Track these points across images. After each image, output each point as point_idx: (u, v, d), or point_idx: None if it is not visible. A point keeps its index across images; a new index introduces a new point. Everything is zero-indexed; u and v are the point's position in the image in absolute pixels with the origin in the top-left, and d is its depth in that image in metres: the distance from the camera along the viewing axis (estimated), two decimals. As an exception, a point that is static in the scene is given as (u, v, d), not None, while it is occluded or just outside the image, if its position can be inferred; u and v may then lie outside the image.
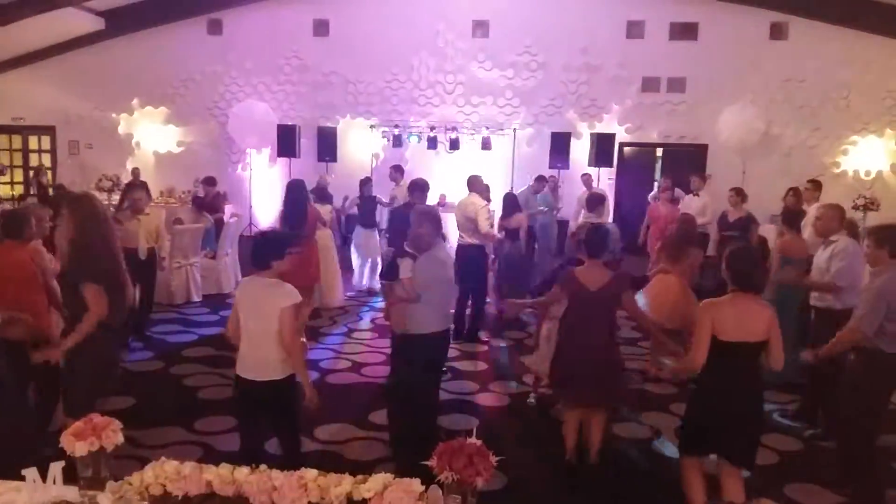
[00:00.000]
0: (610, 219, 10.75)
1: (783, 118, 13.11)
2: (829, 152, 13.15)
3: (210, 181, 10.68)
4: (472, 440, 2.42)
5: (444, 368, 6.76)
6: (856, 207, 11.30)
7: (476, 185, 8.07)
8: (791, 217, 6.67)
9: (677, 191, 10.74)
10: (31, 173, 12.31)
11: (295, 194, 7.88)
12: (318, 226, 8.27)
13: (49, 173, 12.39)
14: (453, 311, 8.15)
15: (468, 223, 7.72)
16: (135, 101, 14.39)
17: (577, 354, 4.60)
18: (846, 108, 13.02)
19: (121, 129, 14.50)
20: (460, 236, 7.91)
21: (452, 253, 6.27)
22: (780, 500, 4.52)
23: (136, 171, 12.94)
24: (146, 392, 6.05)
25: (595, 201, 8.42)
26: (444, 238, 4.90)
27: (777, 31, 13.06)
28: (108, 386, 4.28)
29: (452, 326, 5.20)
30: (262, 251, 3.86)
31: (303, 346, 4.58)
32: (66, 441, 2.43)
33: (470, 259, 7.67)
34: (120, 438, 2.50)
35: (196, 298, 9.24)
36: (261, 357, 3.79)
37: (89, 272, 3.96)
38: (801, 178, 10.77)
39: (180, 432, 5.26)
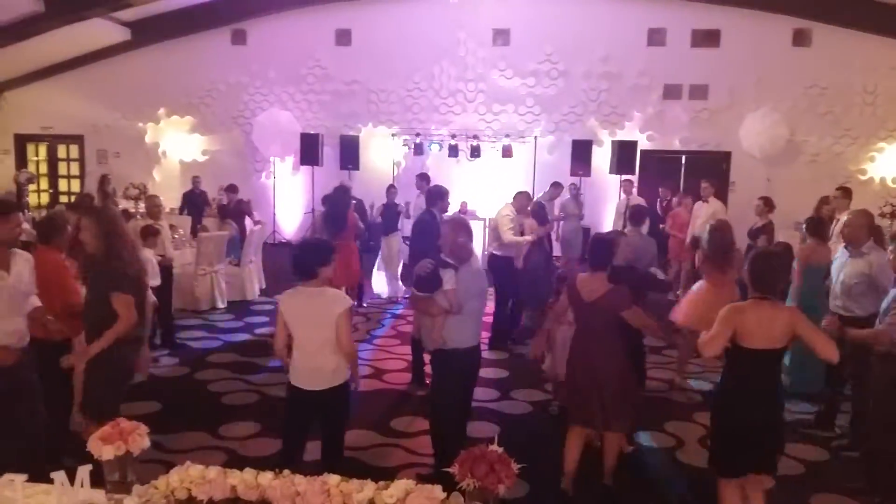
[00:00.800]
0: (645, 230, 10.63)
1: (807, 125, 12.98)
2: (855, 159, 13.00)
3: (232, 189, 10.83)
4: (494, 447, 2.43)
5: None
6: (883, 215, 11.14)
7: (517, 200, 8.14)
8: (814, 224, 6.57)
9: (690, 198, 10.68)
10: (99, 181, 12.30)
11: (339, 198, 8.28)
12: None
13: (103, 180, 12.21)
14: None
15: (494, 233, 7.75)
16: (161, 111, 14.62)
17: (581, 371, 4.50)
18: (871, 114, 12.87)
19: (147, 139, 14.74)
20: (490, 246, 7.95)
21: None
22: (806, 511, 4.48)
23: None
24: (172, 397, 6.14)
25: (641, 214, 7.42)
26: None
27: (800, 38, 12.94)
28: (121, 393, 4.30)
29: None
30: (308, 260, 3.88)
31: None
32: (94, 445, 2.48)
33: (497, 269, 7.70)
34: (146, 443, 2.55)
35: (221, 305, 9.34)
36: (316, 366, 3.84)
37: (118, 282, 4.03)
38: (828, 185, 10.66)
39: (205, 437, 5.32)
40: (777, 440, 3.80)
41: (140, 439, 2.54)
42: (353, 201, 9.42)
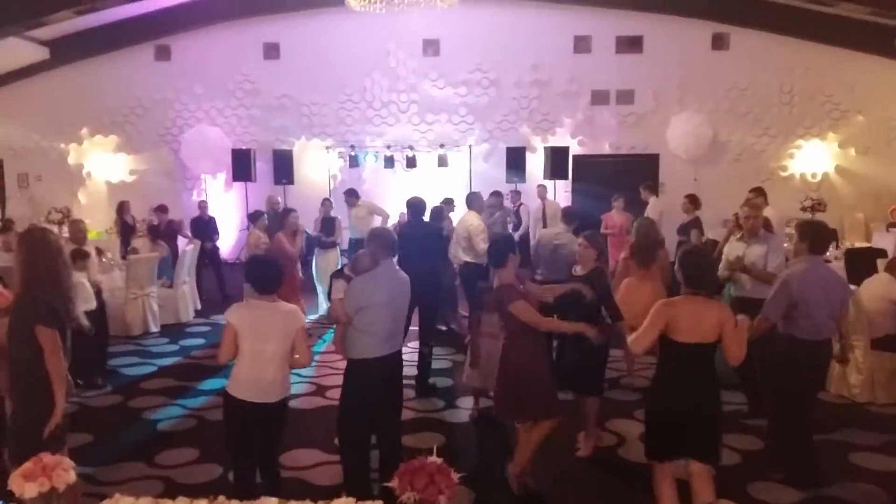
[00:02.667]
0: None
1: (729, 125, 13.49)
2: (776, 156, 13.56)
3: (162, 209, 10.51)
4: (434, 458, 2.42)
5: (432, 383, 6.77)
6: (804, 209, 11.63)
7: (475, 203, 8.18)
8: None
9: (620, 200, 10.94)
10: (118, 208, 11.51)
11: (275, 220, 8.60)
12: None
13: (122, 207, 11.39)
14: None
15: (465, 242, 7.75)
16: (84, 131, 14.13)
17: (503, 373, 4.59)
18: (789, 113, 13.47)
19: (70, 160, 14.21)
20: (460, 255, 7.95)
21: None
22: (744, 499, 4.60)
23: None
24: (104, 427, 5.91)
25: (573, 215, 7.87)
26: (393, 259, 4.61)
27: (719, 42, 13.47)
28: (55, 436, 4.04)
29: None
30: (271, 276, 3.97)
31: None
32: (15, 483, 2.36)
33: (469, 278, 7.69)
34: (72, 477, 2.44)
35: (154, 329, 9.06)
36: (271, 379, 3.87)
37: (41, 314, 3.82)
38: (752, 182, 11.06)
39: (141, 467, 5.14)
40: (714, 430, 3.90)
41: (65, 474, 2.44)
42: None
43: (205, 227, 11.02)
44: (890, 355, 6.24)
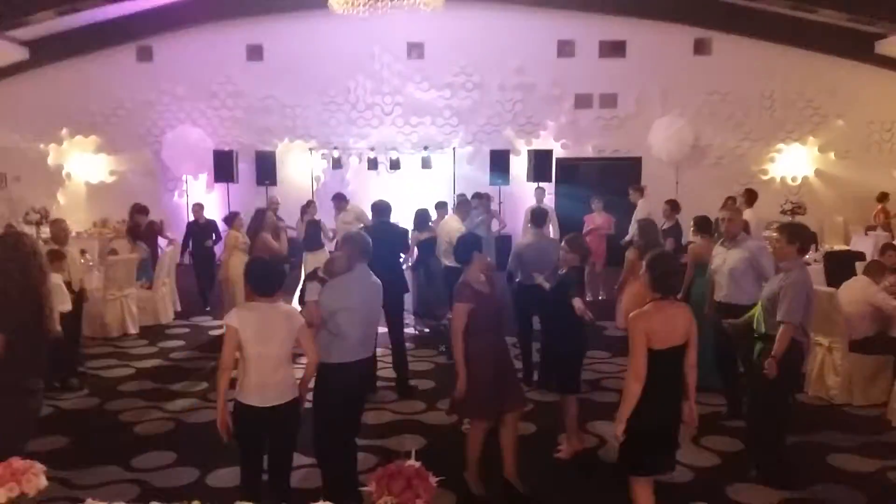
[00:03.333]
0: (555, 233, 10.82)
1: (711, 129, 13.60)
2: (757, 160, 13.69)
3: (142, 210, 10.36)
4: (412, 462, 2.40)
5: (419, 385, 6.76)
6: (784, 212, 11.73)
7: (461, 207, 8.43)
8: (702, 223, 6.86)
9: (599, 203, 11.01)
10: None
11: (253, 223, 8.42)
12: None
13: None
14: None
15: (446, 245, 7.76)
16: (64, 131, 13.97)
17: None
18: (770, 117, 13.60)
19: (50, 161, 14.03)
20: (444, 259, 7.94)
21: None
22: (722, 501, 4.61)
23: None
24: (80, 431, 5.83)
25: (541, 216, 7.99)
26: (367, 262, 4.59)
27: (701, 47, 13.57)
28: (21, 443, 3.88)
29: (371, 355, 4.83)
30: (273, 278, 3.95)
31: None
32: (-17, 488, 2.32)
33: (453, 281, 7.67)
34: (42, 482, 2.40)
35: (133, 331, 8.96)
36: (275, 381, 3.83)
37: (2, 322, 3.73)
38: (733, 185, 11.17)
39: (117, 471, 5.07)
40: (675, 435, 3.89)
41: (35, 479, 2.40)
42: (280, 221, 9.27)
43: (201, 232, 10.41)
44: (867, 357, 6.30)
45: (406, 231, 8.21)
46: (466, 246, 4.75)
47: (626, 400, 3.68)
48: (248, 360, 3.79)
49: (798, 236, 4.74)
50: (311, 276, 4.39)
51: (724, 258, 5.85)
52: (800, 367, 4.97)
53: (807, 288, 4.64)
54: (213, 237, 10.46)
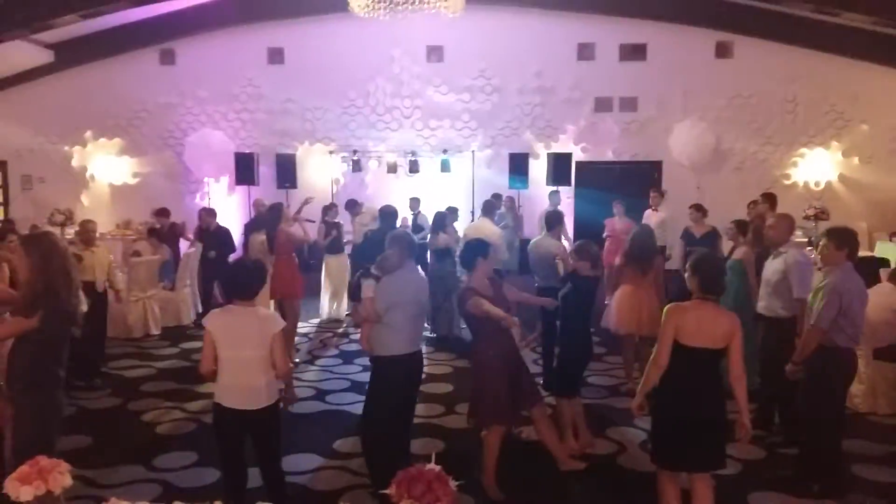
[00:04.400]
0: (566, 238, 10.79)
1: (732, 133, 13.47)
2: (780, 165, 13.54)
3: (164, 212, 10.46)
4: (432, 466, 2.41)
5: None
6: (807, 217, 11.61)
7: (488, 210, 8.27)
8: (743, 226, 6.85)
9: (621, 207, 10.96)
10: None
11: (270, 218, 8.24)
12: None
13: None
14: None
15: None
16: (88, 134, 14.15)
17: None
18: (793, 122, 13.45)
19: (74, 162, 14.22)
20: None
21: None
22: (743, 509, 4.58)
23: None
24: (103, 430, 5.91)
25: (555, 219, 8.24)
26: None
27: (723, 50, 13.46)
28: (55, 430, 4.03)
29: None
30: (250, 281, 3.93)
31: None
32: (10, 486, 2.35)
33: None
34: (68, 481, 2.43)
35: (155, 332, 9.07)
36: (251, 385, 3.82)
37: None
38: (754, 190, 11.04)
39: (139, 470, 5.13)
40: (719, 438, 3.89)
41: (61, 477, 2.43)
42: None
43: (209, 240, 9.75)
44: (892, 365, 6.22)
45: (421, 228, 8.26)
46: (470, 252, 4.84)
47: (645, 381, 3.93)
48: (222, 363, 3.82)
49: (847, 242, 4.62)
50: (366, 274, 4.54)
51: (766, 267, 5.72)
52: (845, 375, 4.75)
53: (841, 298, 4.49)
54: (223, 248, 9.69)
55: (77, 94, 13.79)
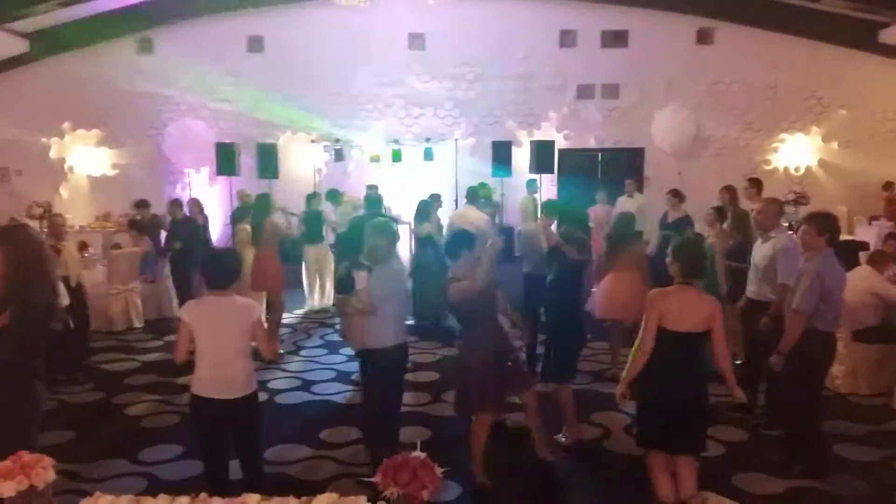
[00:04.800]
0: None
1: (713, 120, 13.55)
2: (760, 150, 13.65)
3: (144, 203, 10.33)
4: (417, 453, 2.41)
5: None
6: (787, 202, 11.70)
7: (473, 197, 8.28)
8: (722, 214, 6.90)
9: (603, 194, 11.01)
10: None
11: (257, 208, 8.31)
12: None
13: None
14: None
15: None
16: (66, 125, 13.94)
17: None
18: (773, 108, 13.55)
19: (52, 154, 14.02)
20: None
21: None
22: (727, 489, 4.60)
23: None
24: (87, 424, 5.85)
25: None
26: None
27: (704, 37, 13.51)
28: (34, 424, 3.99)
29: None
30: (226, 270, 3.90)
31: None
32: (-7, 481, 2.32)
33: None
34: (51, 476, 2.40)
35: (137, 324, 8.99)
36: (230, 375, 3.80)
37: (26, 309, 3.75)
38: (735, 176, 11.11)
39: (124, 464, 5.10)
40: (700, 419, 3.95)
41: (44, 472, 2.40)
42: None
43: (175, 230, 9.45)
44: (871, 347, 6.31)
45: (394, 220, 8.26)
46: (455, 243, 4.83)
47: (631, 367, 3.95)
48: (201, 354, 3.81)
49: (828, 227, 4.65)
50: (357, 265, 4.48)
51: (756, 250, 5.76)
52: (825, 359, 4.80)
53: (822, 282, 4.52)
54: (189, 238, 9.36)
55: (54, 85, 13.57)
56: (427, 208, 8.81)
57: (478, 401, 4.66)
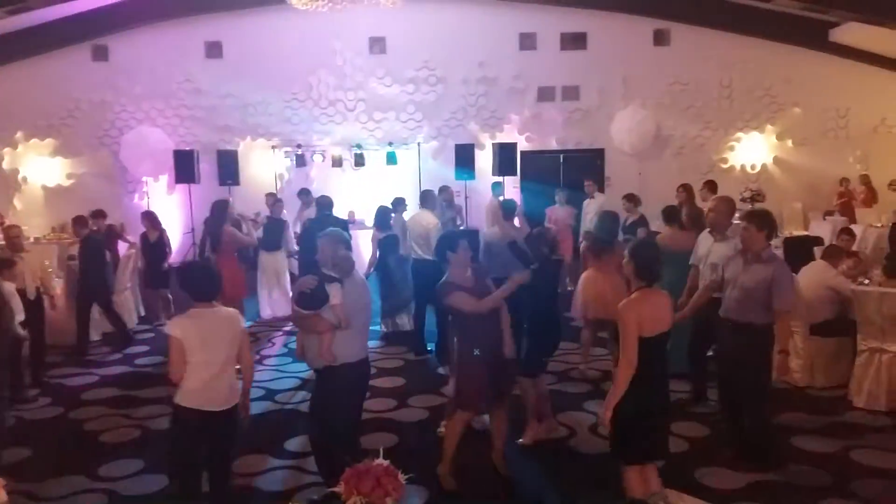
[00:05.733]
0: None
1: (672, 119, 13.79)
2: (717, 149, 13.92)
3: (100, 214, 10.07)
4: (380, 460, 2.40)
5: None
6: (744, 200, 11.93)
7: (428, 201, 8.25)
8: (670, 213, 6.96)
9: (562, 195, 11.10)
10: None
11: (215, 215, 8.02)
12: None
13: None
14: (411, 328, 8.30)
15: (422, 239, 7.76)
16: (18, 135, 13.58)
17: None
18: (729, 107, 13.84)
19: (5, 165, 13.65)
20: (415, 252, 7.95)
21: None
22: (691, 485, 4.67)
23: None
24: (44, 441, 5.70)
25: (507, 210, 7.76)
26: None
27: (660, 38, 13.75)
28: None
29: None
30: (210, 282, 3.92)
31: None
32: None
33: (427, 274, 7.62)
34: (2, 497, 2.34)
35: (95, 337, 8.77)
36: (225, 385, 3.85)
37: None
38: (695, 175, 11.34)
39: (83, 480, 4.97)
40: (669, 422, 3.99)
41: (-5, 493, 2.33)
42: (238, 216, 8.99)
43: (152, 252, 9.44)
44: (827, 340, 6.44)
45: (346, 222, 8.72)
46: (441, 246, 4.78)
47: (618, 386, 3.73)
48: (194, 367, 3.77)
49: (766, 223, 4.76)
50: (327, 279, 4.19)
51: (708, 249, 5.78)
52: (770, 351, 4.93)
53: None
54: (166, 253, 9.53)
55: (5, 94, 13.22)
56: (386, 215, 8.75)
57: (473, 396, 4.60)
